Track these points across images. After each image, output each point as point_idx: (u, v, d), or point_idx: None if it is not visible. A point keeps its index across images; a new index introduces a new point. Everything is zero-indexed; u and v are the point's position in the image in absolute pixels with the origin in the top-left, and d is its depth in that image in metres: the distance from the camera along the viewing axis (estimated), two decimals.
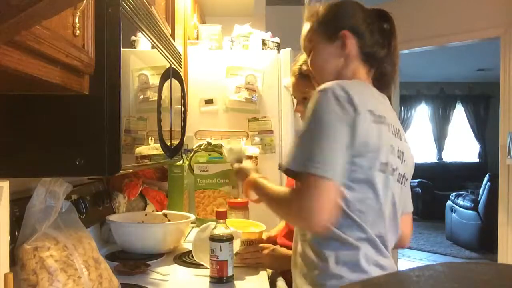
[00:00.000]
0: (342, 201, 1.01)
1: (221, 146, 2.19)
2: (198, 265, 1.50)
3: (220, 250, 1.29)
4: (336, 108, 0.99)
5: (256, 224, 1.64)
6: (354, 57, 1.15)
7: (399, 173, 1.11)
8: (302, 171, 0.99)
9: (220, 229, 1.32)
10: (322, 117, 1.00)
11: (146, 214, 1.83)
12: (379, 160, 1.03)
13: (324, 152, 0.98)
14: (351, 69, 1.15)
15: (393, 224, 1.10)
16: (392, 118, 1.12)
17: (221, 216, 1.35)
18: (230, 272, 1.31)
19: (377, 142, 1.02)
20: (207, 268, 1.40)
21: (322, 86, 1.03)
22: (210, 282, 1.33)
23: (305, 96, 1.44)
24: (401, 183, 1.13)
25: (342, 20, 1.16)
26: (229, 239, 1.31)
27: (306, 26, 1.22)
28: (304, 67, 1.45)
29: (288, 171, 1.04)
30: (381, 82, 1.18)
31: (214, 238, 1.31)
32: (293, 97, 1.75)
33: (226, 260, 1.31)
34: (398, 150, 1.10)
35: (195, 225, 1.98)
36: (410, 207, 1.22)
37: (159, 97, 1.22)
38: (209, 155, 2.15)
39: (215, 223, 1.36)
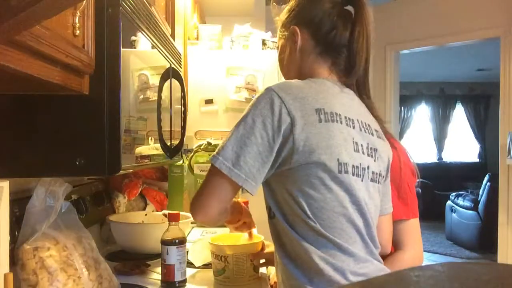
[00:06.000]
0: (301, 212, 0.95)
1: None
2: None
3: (167, 253, 1.25)
4: (267, 113, 0.94)
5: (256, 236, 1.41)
6: (309, 52, 1.09)
7: (373, 172, 1.02)
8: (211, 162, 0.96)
9: (171, 232, 1.27)
10: (250, 117, 0.95)
11: (146, 214, 1.82)
12: (333, 161, 0.94)
13: (236, 150, 0.93)
14: (308, 66, 1.10)
15: (366, 226, 1.00)
16: (357, 113, 1.03)
17: (173, 218, 1.30)
18: (178, 277, 1.26)
19: (325, 143, 0.94)
20: (209, 268, 1.40)
21: (269, 86, 0.99)
22: (160, 286, 1.29)
23: None
24: (377, 182, 1.04)
25: (298, 14, 1.11)
26: (177, 243, 1.26)
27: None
28: None
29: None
30: (351, 73, 1.09)
31: (162, 241, 1.27)
32: None
33: (174, 265, 1.25)
34: (368, 147, 1.01)
35: (195, 225, 1.98)
36: (389, 208, 1.13)
37: (159, 97, 1.22)
38: (209, 155, 2.14)
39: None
